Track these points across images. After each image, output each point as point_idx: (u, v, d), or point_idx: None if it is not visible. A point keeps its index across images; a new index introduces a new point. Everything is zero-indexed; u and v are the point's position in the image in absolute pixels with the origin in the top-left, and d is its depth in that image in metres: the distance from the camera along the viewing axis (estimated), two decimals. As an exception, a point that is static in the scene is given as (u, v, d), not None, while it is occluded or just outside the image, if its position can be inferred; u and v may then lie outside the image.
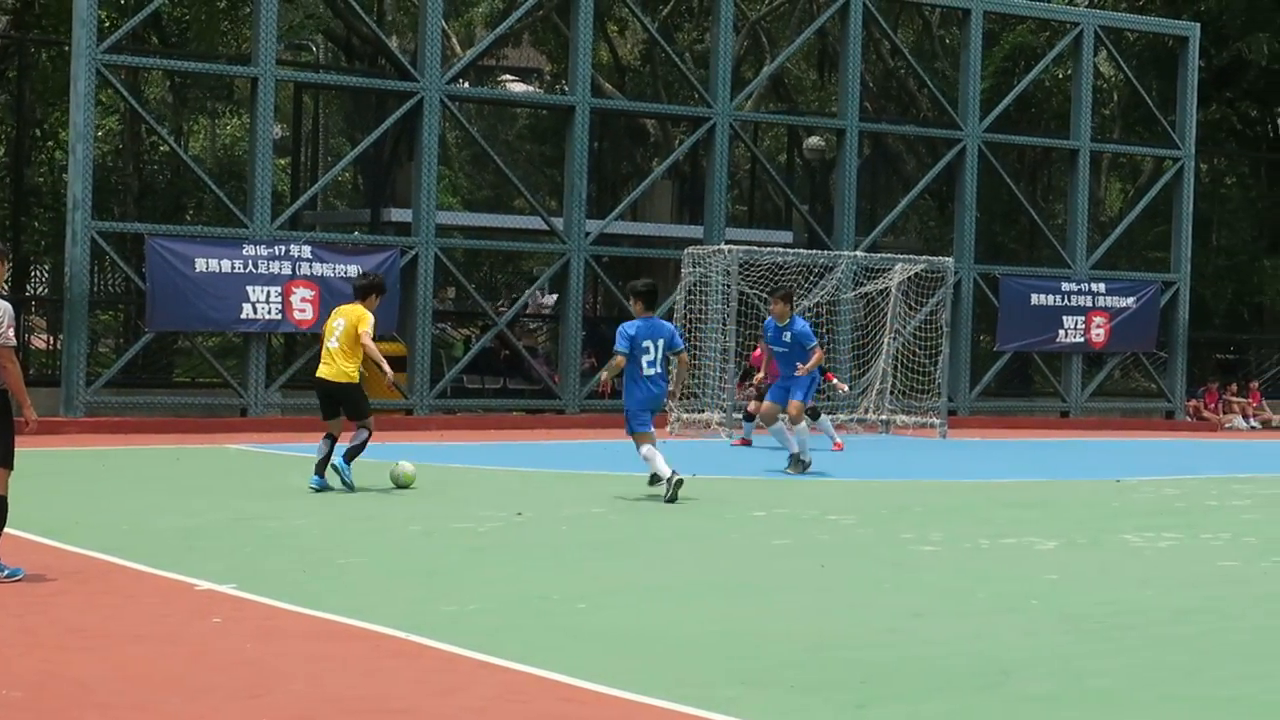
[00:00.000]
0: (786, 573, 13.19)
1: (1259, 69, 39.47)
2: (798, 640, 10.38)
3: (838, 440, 26.03)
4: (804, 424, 21.76)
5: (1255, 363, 41.34)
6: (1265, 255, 41.55)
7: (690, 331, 29.67)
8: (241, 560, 13.06)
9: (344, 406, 18.43)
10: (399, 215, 32.50)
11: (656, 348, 18.22)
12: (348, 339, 18.36)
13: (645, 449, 18.11)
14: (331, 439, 18.36)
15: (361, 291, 18.78)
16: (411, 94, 29.23)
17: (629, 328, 18.28)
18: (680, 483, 17.71)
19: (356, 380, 18.48)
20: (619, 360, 18.27)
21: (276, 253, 27.75)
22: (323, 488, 17.91)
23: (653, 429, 18.29)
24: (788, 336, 21.68)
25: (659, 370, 18.32)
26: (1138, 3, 43.13)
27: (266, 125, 28.36)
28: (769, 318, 22.44)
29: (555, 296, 34.65)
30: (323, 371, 18.55)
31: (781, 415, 21.44)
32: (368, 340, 18.25)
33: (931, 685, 9.25)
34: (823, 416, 26.03)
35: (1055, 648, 10.39)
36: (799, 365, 21.44)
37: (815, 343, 21.81)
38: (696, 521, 16.28)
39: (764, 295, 30.41)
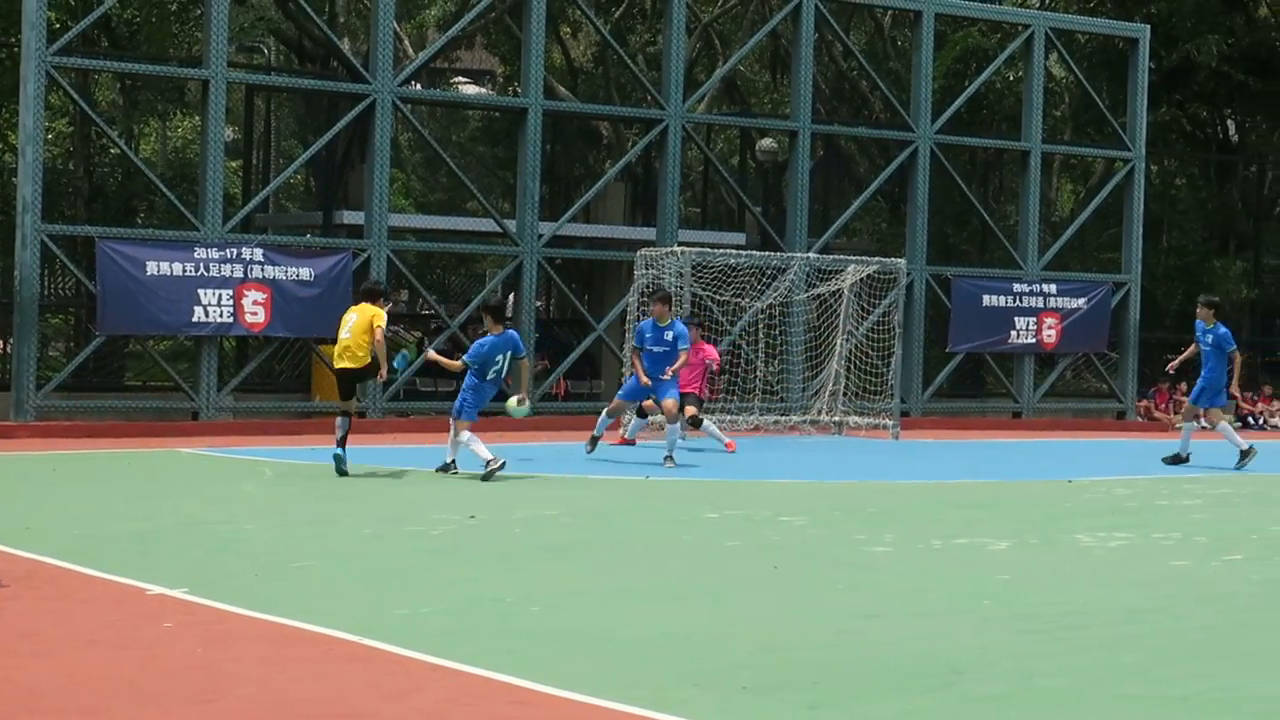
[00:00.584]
0: (739, 574, 13.20)
1: (1208, 71, 39.68)
2: (750, 641, 10.39)
3: (729, 440, 25.97)
4: (678, 425, 23.01)
5: (1206, 363, 41.47)
6: (1215, 256, 41.77)
7: (643, 333, 29.69)
8: (193, 564, 13.02)
9: (360, 386, 21.28)
10: (351, 217, 32.43)
11: (505, 359, 21.02)
12: (361, 329, 20.50)
13: (466, 435, 20.52)
14: (349, 416, 20.62)
15: (370, 295, 20.95)
16: (364, 96, 29.18)
17: (482, 344, 20.99)
18: (501, 466, 20.03)
19: (370, 361, 20.69)
20: (460, 366, 21.24)
21: (228, 255, 27.67)
22: (343, 463, 20.10)
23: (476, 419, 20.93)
24: (669, 336, 23.05)
25: (502, 375, 21.27)
26: (1088, 5, 43.32)
27: (218, 128, 28.26)
28: (649, 319, 23.65)
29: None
30: (344, 363, 20.69)
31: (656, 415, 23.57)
32: (381, 335, 20.43)
33: (883, 685, 9.27)
34: (705, 421, 25.99)
35: (1007, 647, 10.43)
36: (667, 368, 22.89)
37: (688, 346, 23.27)
38: (649, 523, 16.28)
39: (718, 297, 30.52)
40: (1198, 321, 25.77)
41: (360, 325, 20.50)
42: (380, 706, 8.57)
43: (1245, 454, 25.34)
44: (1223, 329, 25.67)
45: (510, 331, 21.44)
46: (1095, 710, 8.91)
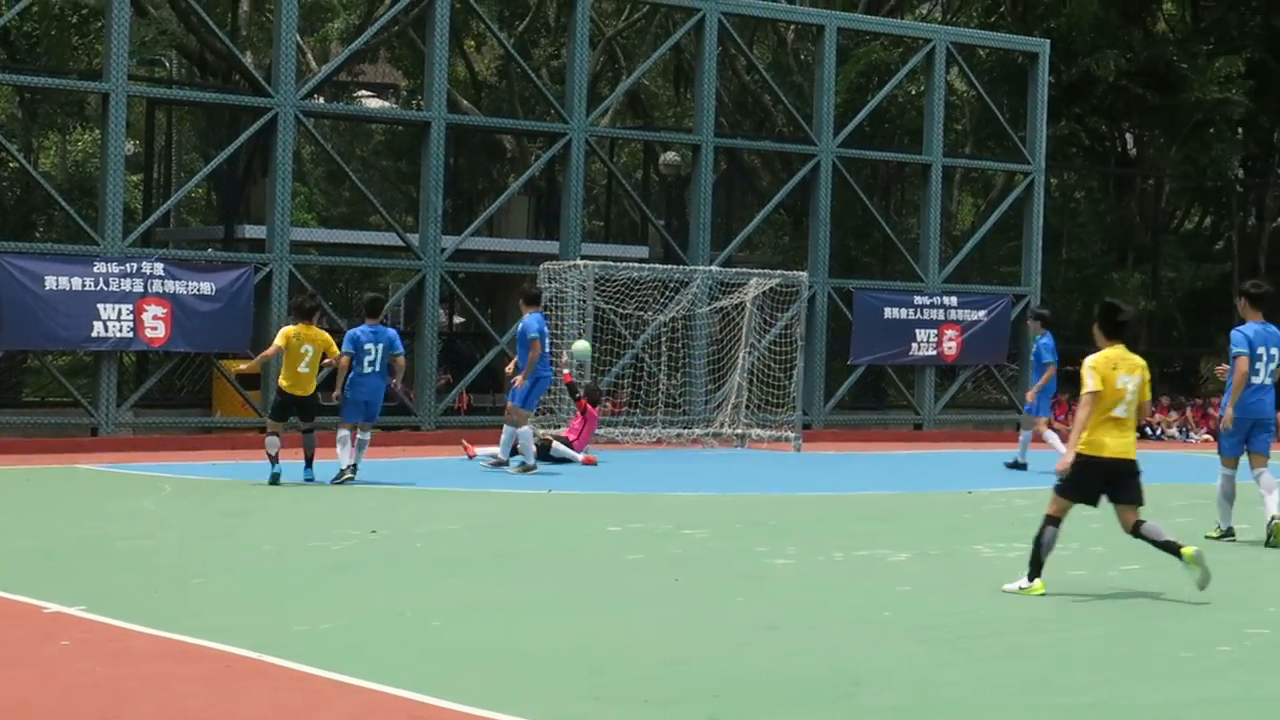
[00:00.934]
0: (641, 587, 13.22)
1: (1107, 85, 40.08)
2: (652, 655, 10.41)
3: (587, 456, 25.89)
4: (526, 428, 23.56)
5: (1105, 375, 41.83)
6: (1114, 268, 42.16)
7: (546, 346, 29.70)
8: (91, 581, 12.91)
9: (302, 414, 21.42)
10: (253, 232, 32.27)
11: (378, 350, 21.65)
12: (316, 363, 21.29)
13: (343, 433, 21.48)
14: (279, 435, 21.20)
15: (307, 313, 21.45)
16: (266, 110, 29.03)
17: (355, 332, 21.73)
18: (350, 479, 20.96)
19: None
20: (345, 360, 21.50)
21: (128, 270, 27.45)
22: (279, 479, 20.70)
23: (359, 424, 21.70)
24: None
25: (378, 370, 21.75)
26: (989, 20, 43.70)
27: (118, 141, 28.06)
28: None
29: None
30: (295, 389, 21.30)
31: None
32: (342, 361, 21.52)
33: (784, 698, 9.31)
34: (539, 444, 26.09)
35: (907, 658, 10.49)
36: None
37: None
38: (551, 537, 16.28)
39: (621, 310, 30.54)
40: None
41: (317, 358, 21.27)
42: (280, 723, 8.53)
43: (1016, 464, 26.54)
44: (1043, 340, 26.25)
45: (385, 327, 22.30)
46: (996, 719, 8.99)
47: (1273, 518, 16.96)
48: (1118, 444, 13.17)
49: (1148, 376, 13.39)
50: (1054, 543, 13.34)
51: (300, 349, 21.20)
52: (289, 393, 21.32)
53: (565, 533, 16.79)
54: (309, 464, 21.41)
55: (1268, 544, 16.86)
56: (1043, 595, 13.03)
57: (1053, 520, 13.36)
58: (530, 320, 23.45)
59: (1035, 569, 13.27)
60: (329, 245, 38.70)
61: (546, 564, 14.54)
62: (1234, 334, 17.71)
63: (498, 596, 12.70)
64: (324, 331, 21.72)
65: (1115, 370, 13.19)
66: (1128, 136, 45.94)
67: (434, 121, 30.44)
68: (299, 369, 21.23)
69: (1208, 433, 38.97)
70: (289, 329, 21.44)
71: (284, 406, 21.53)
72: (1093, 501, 13.47)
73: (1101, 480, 13.31)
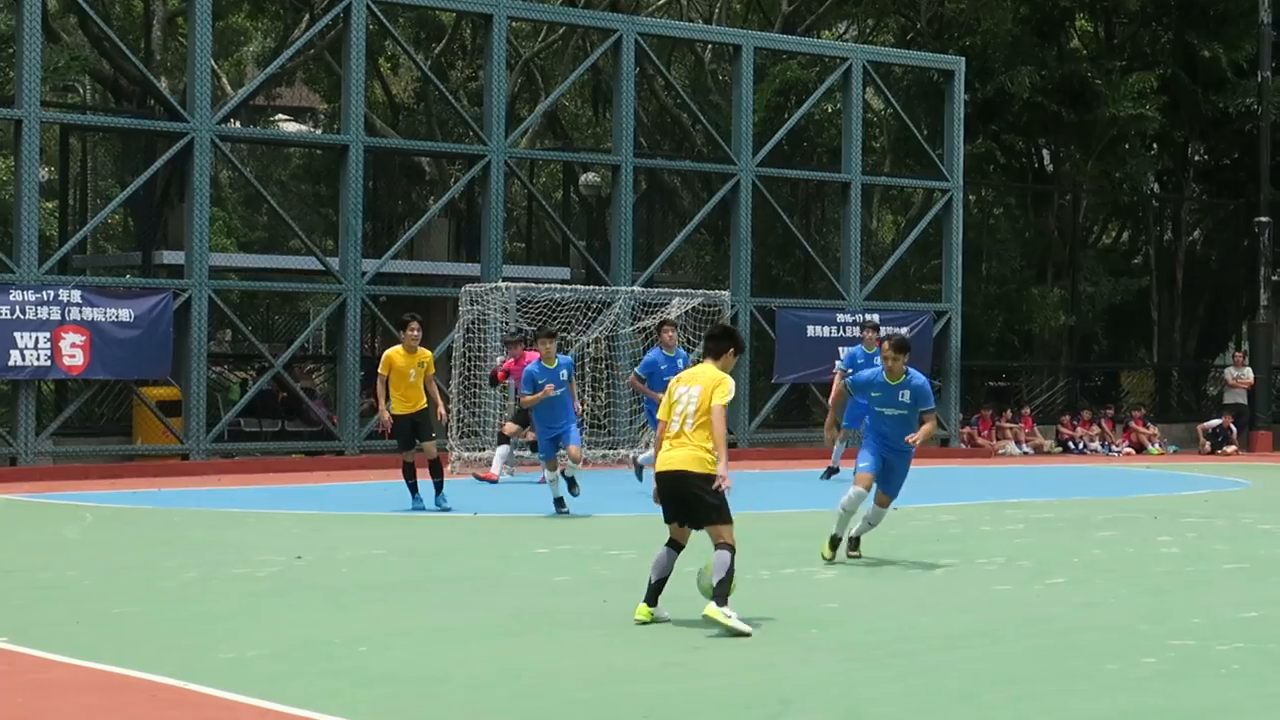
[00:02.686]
0: (569, 609, 13.19)
1: (1022, 103, 40.33)
2: (580, 676, 10.39)
3: (491, 473, 25.86)
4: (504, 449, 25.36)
5: (1027, 389, 42.16)
6: (1034, 284, 42.40)
7: (469, 369, 29.67)
8: (12, 612, 12.78)
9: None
10: (171, 257, 32.09)
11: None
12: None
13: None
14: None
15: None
16: (181, 135, 28.88)
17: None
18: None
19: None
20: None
21: (45, 298, 27.24)
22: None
23: None
24: (680, 364, 24.21)
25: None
26: (905, 38, 43.92)
27: (32, 168, 27.84)
28: (656, 348, 25.93)
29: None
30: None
31: None
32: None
33: (712, 716, 9.30)
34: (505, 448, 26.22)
35: (834, 675, 10.50)
36: None
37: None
38: (479, 561, 16.22)
39: (542, 332, 30.48)
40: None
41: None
42: (206, 753, 8.45)
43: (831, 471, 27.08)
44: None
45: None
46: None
47: None
48: (665, 457, 12.68)
49: (712, 386, 12.49)
50: (663, 564, 12.61)
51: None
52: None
53: (492, 555, 16.74)
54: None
55: None
56: (643, 623, 12.32)
57: (671, 543, 12.78)
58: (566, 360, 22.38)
59: (648, 591, 12.53)
60: (249, 270, 38.51)
61: (473, 587, 14.48)
62: None
63: (425, 621, 12.64)
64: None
65: (678, 382, 12.83)
66: (1044, 153, 46.24)
67: (352, 145, 30.35)
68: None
69: (1129, 446, 39.29)
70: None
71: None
72: (675, 520, 12.83)
73: (665, 496, 12.81)
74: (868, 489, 16.22)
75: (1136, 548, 18.16)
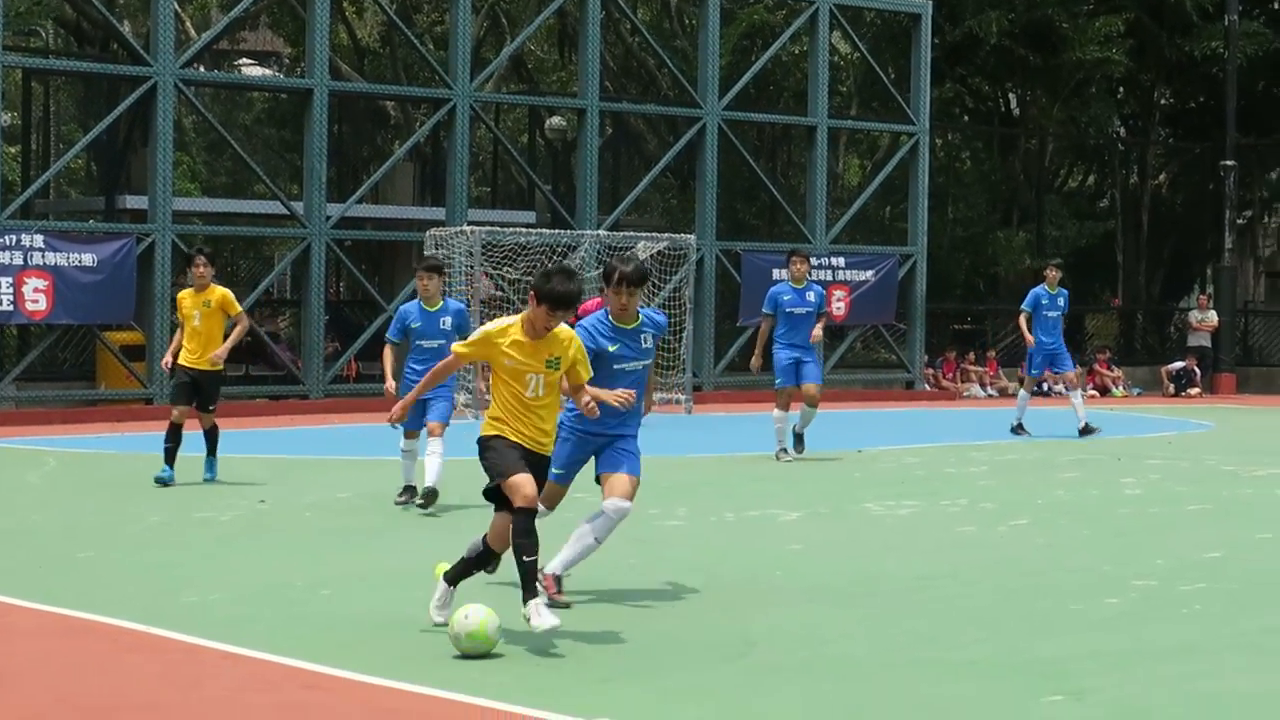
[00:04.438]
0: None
1: (990, 46, 40.27)
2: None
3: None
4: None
5: (991, 332, 42.21)
6: (999, 227, 42.42)
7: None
8: (-26, 558, 12.73)
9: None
10: (135, 202, 31.90)
11: None
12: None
13: None
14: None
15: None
16: (145, 79, 28.67)
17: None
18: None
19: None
20: None
21: (7, 243, 27.07)
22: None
23: None
24: (810, 296, 22.46)
25: None
26: (871, -20, 43.75)
27: (-6, 112, 27.67)
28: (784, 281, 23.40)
29: None
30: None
31: None
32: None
33: (677, 659, 9.30)
34: None
35: (799, 617, 10.51)
36: None
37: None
38: (443, 504, 16.16)
39: (508, 276, 30.43)
40: None
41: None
42: (168, 697, 8.43)
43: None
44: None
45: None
46: (885, 676, 9.01)
47: None
48: None
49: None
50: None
51: None
52: None
53: (456, 498, 16.69)
54: None
55: None
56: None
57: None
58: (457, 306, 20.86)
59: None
60: (213, 215, 38.33)
61: (435, 531, 14.46)
62: None
63: (388, 565, 12.62)
64: None
65: None
66: (1010, 97, 46.19)
67: (316, 89, 30.18)
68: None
69: (1094, 389, 39.37)
70: None
71: None
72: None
73: None
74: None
75: (1100, 489, 18.21)
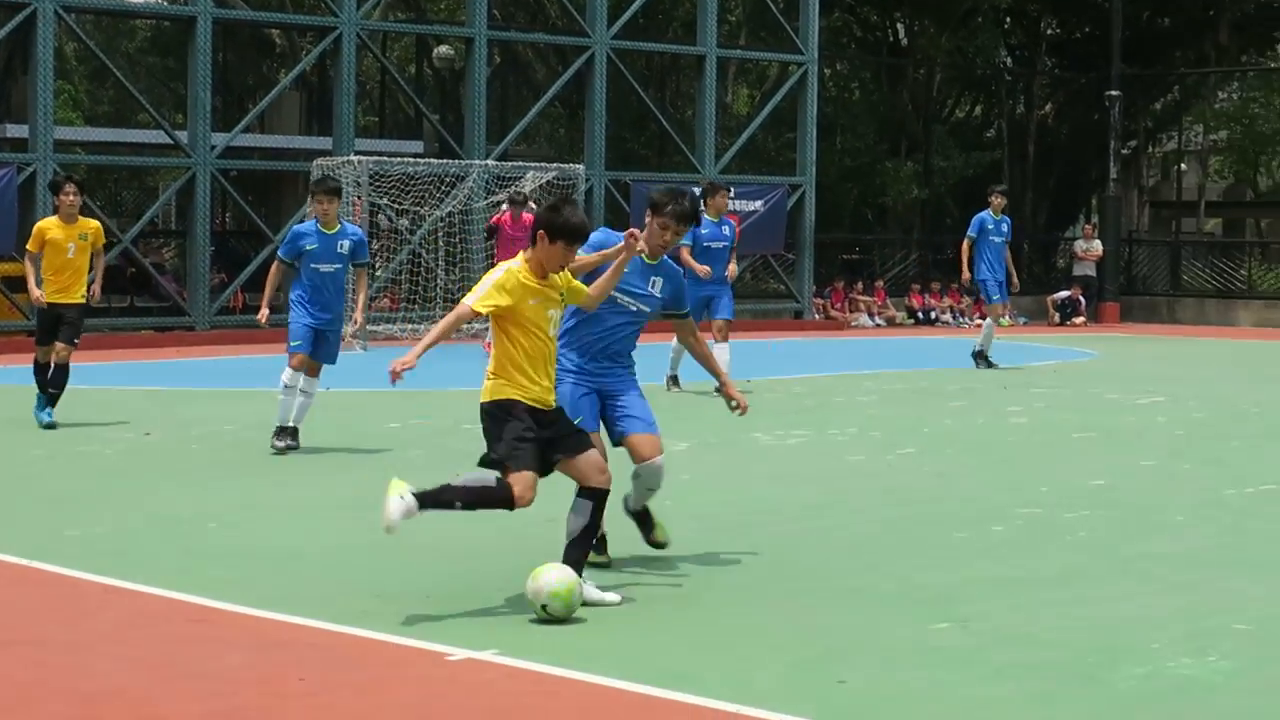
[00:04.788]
0: (423, 483, 13.11)
1: (878, -25, 40.35)
2: (433, 551, 10.36)
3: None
4: None
5: (879, 262, 42.43)
6: (887, 158, 42.59)
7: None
8: None
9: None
10: (15, 131, 31.49)
11: None
12: None
13: None
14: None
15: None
16: (24, 5, 28.23)
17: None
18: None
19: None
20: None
21: (-115, 172, 26.66)
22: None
23: None
24: None
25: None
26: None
27: None
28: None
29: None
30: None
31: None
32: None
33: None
34: None
35: (688, 546, 10.52)
36: None
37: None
38: (330, 435, 16.08)
39: (397, 206, 30.25)
40: None
41: None
42: (54, 632, 8.35)
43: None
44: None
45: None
46: (774, 605, 9.06)
47: None
48: None
49: None
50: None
51: None
52: None
53: (345, 431, 16.63)
54: None
55: None
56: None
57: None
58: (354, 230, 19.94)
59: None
60: (96, 144, 37.84)
61: (325, 463, 14.40)
62: None
63: (274, 498, 12.56)
64: None
65: None
66: (899, 27, 46.30)
67: (200, 16, 29.82)
68: None
69: (980, 318, 39.65)
70: None
71: None
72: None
73: None
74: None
75: (986, 418, 18.38)
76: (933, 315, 39.71)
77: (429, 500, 8.92)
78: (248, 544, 10.64)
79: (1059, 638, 8.45)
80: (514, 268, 9.00)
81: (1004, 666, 7.89)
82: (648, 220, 9.99)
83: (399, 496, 8.82)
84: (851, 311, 38.66)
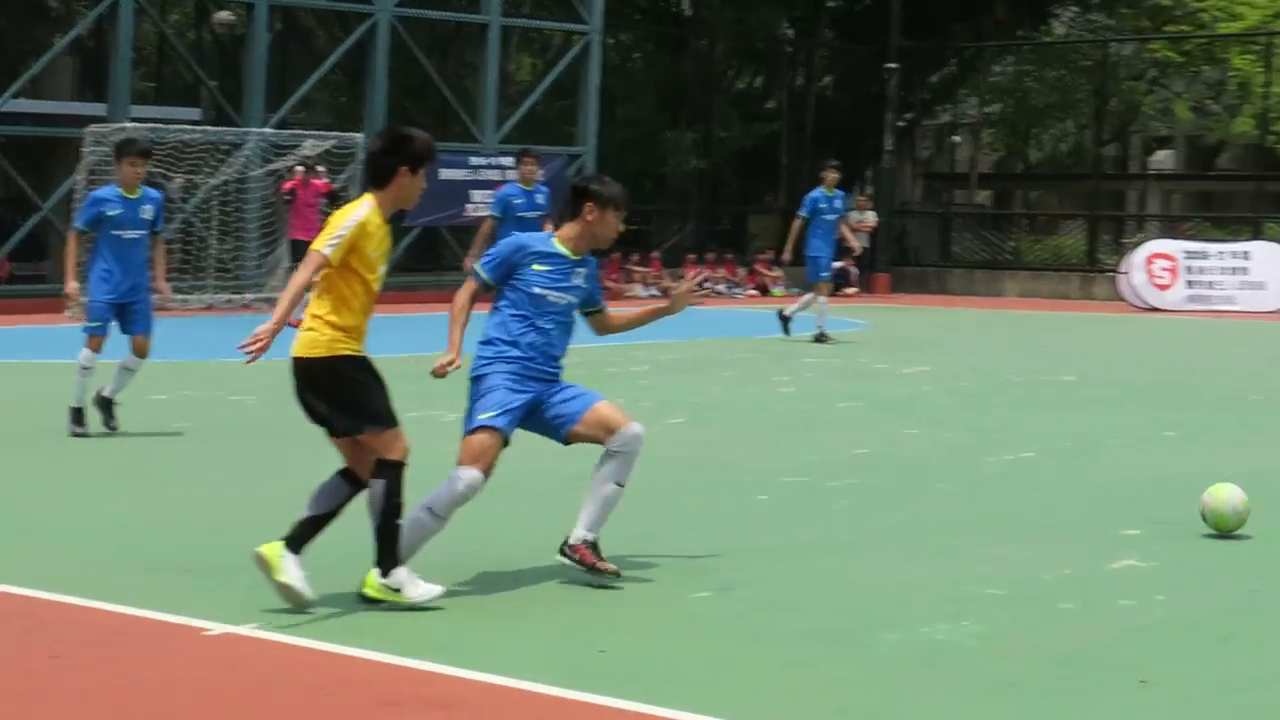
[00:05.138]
0: (188, 456, 13.03)
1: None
2: (197, 525, 10.31)
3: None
4: None
5: (657, 232, 42.64)
6: (668, 128, 42.78)
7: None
8: None
9: None
10: None
11: None
12: None
13: None
14: None
15: None
16: None
17: None
18: None
19: None
20: None
21: None
22: None
23: None
24: None
25: None
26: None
27: None
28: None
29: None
30: None
31: None
32: None
33: (336, 557, 9.26)
34: None
35: (458, 515, 10.54)
36: None
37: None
38: (91, 408, 15.83)
39: (170, 174, 29.84)
40: None
41: None
42: None
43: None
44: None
45: None
46: (538, 573, 9.18)
47: None
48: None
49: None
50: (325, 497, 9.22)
51: None
52: None
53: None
54: None
55: None
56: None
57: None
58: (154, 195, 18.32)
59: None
60: None
61: (85, 440, 14.13)
62: None
63: (36, 475, 12.37)
64: None
65: None
66: (684, -2, 46.56)
67: (-32, -22, 29.18)
68: None
69: (754, 288, 40.02)
70: None
71: None
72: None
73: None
74: None
75: (756, 388, 18.62)
76: (707, 285, 39.98)
77: (390, 553, 8.68)
78: (8, 521, 10.48)
79: (818, 604, 8.63)
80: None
81: (762, 632, 8.05)
82: (590, 214, 9.54)
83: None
84: (627, 282, 38.81)
